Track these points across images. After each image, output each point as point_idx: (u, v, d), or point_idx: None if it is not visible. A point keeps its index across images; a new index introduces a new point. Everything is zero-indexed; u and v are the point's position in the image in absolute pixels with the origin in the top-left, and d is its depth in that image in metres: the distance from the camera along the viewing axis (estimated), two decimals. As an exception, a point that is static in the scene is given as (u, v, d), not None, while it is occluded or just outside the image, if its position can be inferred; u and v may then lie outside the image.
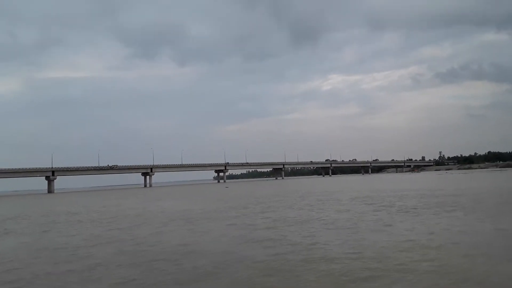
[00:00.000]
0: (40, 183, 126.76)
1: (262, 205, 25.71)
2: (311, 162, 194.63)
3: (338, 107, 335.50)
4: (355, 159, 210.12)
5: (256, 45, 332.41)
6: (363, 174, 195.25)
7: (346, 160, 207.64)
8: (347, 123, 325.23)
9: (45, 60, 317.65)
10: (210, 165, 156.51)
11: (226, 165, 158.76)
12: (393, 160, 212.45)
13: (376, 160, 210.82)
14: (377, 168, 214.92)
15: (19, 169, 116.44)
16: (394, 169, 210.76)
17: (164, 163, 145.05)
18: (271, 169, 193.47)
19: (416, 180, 64.30)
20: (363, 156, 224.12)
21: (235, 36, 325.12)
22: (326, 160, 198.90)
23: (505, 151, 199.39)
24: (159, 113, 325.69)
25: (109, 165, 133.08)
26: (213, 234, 13.95)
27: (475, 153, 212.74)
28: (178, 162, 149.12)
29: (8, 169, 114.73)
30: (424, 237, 11.16)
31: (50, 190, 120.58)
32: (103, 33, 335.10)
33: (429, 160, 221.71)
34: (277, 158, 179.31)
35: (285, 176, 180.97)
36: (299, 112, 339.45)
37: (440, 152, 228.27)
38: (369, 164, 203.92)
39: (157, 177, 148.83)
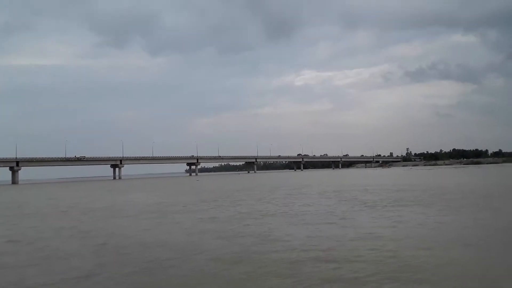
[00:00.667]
0: (4, 173, 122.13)
1: (231, 199, 25.93)
2: (283, 157, 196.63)
3: (311, 103, 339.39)
4: (326, 154, 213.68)
5: (232, 37, 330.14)
6: (333, 169, 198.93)
7: (318, 155, 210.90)
8: (319, 118, 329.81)
9: (11, 46, 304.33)
10: (182, 158, 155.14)
11: (198, 158, 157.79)
12: (362, 155, 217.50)
13: (346, 155, 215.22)
14: (348, 163, 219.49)
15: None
16: (364, 164, 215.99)
17: (134, 155, 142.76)
18: (243, 162, 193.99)
19: (383, 175, 66.32)
20: (334, 151, 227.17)
21: (211, 27, 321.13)
22: (298, 154, 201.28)
23: (469, 149, 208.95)
24: (130, 104, 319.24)
25: (77, 156, 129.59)
26: (179, 226, 14.03)
27: (441, 150, 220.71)
28: (149, 154, 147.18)
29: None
30: (381, 229, 11.68)
31: (14, 181, 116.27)
32: (75, 20, 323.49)
33: (397, 156, 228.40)
34: (250, 152, 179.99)
35: (257, 170, 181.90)
36: (273, 106, 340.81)
37: (408, 149, 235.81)
38: (339, 159, 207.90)
39: (127, 170, 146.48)
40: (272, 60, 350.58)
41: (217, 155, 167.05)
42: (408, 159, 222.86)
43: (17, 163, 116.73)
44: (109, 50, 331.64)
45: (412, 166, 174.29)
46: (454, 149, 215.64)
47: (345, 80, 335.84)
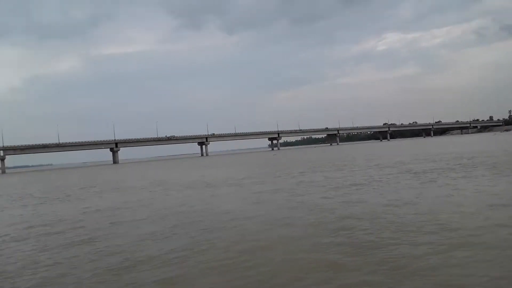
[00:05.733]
0: (105, 154, 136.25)
1: (306, 169, 25.39)
2: (367, 127, 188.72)
3: (396, 68, 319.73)
4: (416, 122, 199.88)
5: (304, 8, 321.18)
6: (424, 137, 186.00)
7: (406, 123, 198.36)
8: (406, 84, 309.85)
9: (100, 36, 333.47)
10: (263, 133, 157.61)
11: (279, 132, 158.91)
12: (457, 121, 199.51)
13: (438, 122, 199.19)
14: (440, 130, 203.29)
15: (86, 142, 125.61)
16: (459, 130, 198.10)
17: (218, 133, 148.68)
18: (325, 135, 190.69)
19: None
20: (425, 118, 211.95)
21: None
22: (383, 124, 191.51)
23: None
24: (211, 84, 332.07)
25: (167, 135, 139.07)
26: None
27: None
28: (231, 131, 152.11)
29: (77, 142, 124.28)
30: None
31: (115, 161, 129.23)
32: (152, 6, 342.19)
33: (498, 119, 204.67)
34: (332, 123, 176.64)
35: (340, 142, 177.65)
36: (353, 76, 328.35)
37: (510, 111, 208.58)
38: (430, 127, 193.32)
39: (213, 146, 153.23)
40: (349, 27, 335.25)
41: (297, 128, 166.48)
42: (511, 122, 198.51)
43: (116, 144, 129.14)
44: (187, 33, 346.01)
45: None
46: None
47: (433, 40, 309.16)
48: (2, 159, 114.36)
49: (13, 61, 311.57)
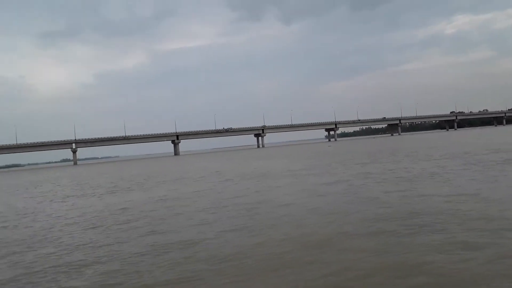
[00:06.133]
0: (167, 146, 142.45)
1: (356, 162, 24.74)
2: (432, 116, 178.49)
3: (465, 53, 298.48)
4: (486, 110, 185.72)
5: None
6: (495, 125, 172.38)
7: (476, 111, 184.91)
8: (476, 70, 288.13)
9: (163, 32, 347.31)
10: (320, 124, 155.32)
11: (337, 123, 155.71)
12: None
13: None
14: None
15: (150, 134, 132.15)
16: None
17: (274, 124, 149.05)
18: (386, 125, 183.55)
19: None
20: (497, 106, 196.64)
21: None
22: (451, 112, 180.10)
23: None
24: (268, 74, 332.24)
25: (225, 128, 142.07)
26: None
27: None
28: (288, 122, 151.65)
29: (141, 135, 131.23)
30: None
31: (176, 152, 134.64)
32: (211, 0, 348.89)
33: None
34: (393, 113, 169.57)
35: (402, 131, 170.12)
36: (418, 61, 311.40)
37: None
38: (503, 114, 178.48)
39: (269, 138, 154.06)
40: (414, 10, 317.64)
41: (356, 119, 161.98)
42: None
43: (177, 136, 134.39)
44: (246, 25, 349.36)
45: None
46: None
47: (509, 21, 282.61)
48: (74, 151, 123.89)
49: (84, 58, 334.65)
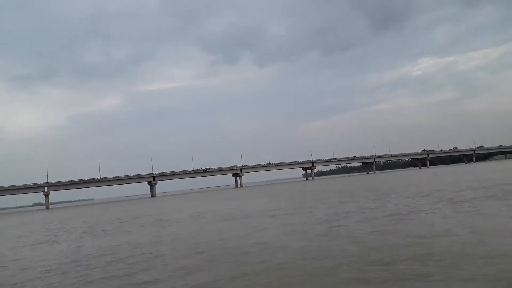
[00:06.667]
0: (143, 188, 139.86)
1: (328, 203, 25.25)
2: (405, 154, 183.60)
3: (432, 93, 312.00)
4: (456, 148, 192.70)
5: (335, 37, 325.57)
6: (466, 163, 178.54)
7: (446, 149, 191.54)
8: (444, 109, 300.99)
9: (140, 74, 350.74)
10: (297, 163, 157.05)
11: (314, 162, 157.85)
12: (500, 145, 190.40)
13: (480, 147, 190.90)
14: (483, 155, 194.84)
15: (125, 176, 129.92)
16: (503, 155, 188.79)
17: (252, 163, 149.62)
18: (361, 163, 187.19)
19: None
20: (465, 143, 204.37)
21: (313, 30, 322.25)
22: (422, 150, 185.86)
23: None
24: (244, 115, 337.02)
25: (202, 168, 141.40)
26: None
27: None
28: (265, 161, 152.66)
29: (117, 177, 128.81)
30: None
31: (152, 194, 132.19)
32: (188, 44, 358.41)
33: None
34: (367, 151, 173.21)
35: (377, 170, 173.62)
36: (388, 102, 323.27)
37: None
38: (472, 152, 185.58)
39: (247, 178, 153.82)
40: (383, 54, 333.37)
41: (332, 157, 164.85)
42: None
43: (154, 178, 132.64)
44: (222, 67, 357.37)
45: None
46: None
47: (470, 63, 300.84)
48: (47, 195, 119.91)
49: (58, 101, 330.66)
